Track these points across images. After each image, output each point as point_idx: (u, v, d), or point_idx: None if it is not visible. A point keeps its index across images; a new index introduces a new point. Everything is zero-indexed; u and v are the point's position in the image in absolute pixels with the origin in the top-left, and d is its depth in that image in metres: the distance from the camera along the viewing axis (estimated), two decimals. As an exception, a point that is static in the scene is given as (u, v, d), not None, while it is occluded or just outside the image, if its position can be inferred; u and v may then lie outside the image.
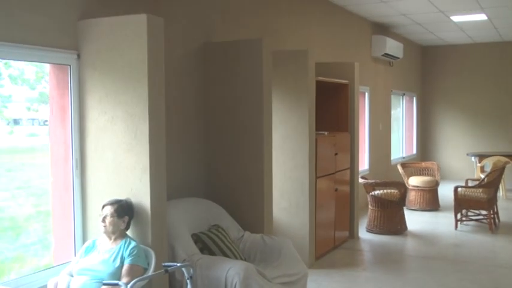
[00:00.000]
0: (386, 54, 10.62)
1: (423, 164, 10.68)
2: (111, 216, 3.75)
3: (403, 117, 13.46)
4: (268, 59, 5.12)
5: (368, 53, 10.39)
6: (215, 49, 5.33)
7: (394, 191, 8.07)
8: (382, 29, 10.90)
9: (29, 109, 12.75)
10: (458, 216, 8.34)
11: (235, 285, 3.98)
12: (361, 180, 8.14)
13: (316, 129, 6.40)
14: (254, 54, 5.08)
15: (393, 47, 10.82)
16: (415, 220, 8.86)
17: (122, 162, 3.97)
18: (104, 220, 3.76)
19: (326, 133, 6.80)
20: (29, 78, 11.23)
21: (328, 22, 8.54)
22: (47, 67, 4.41)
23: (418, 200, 9.80)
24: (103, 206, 3.82)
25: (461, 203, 8.29)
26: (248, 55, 5.12)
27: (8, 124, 12.74)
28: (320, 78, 6.57)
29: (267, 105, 5.14)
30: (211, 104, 5.35)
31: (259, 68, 5.04)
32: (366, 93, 10.28)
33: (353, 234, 7.63)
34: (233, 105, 5.23)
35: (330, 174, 6.82)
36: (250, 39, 5.30)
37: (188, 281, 3.65)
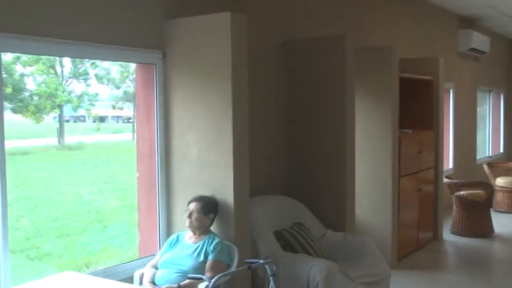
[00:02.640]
0: (472, 49, 10.19)
1: (511, 164, 10.20)
2: (197, 213, 3.82)
3: (489, 115, 12.89)
4: (351, 56, 5.04)
5: (453, 48, 10.01)
6: (296, 46, 5.30)
7: (480, 191, 7.75)
8: (468, 22, 10.47)
9: (114, 107, 13.26)
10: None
11: (317, 284, 3.94)
12: (445, 180, 7.87)
13: (400, 127, 6.24)
14: (337, 51, 5.02)
15: (480, 41, 10.37)
16: (502, 223, 8.45)
17: (206, 159, 4.03)
18: (190, 216, 3.83)
19: (410, 131, 6.63)
20: (114, 78, 11.65)
21: (412, 16, 8.30)
22: (132, 67, 4.53)
23: (506, 202, 9.36)
24: (189, 202, 3.89)
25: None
26: (331, 52, 5.06)
27: (94, 122, 13.31)
28: (404, 74, 6.41)
29: (350, 103, 5.06)
30: (293, 102, 5.33)
31: (342, 66, 4.97)
32: (451, 90, 9.92)
33: (437, 236, 7.38)
34: (315, 103, 5.18)
35: (413, 174, 6.63)
36: (333, 35, 5.23)
37: (271, 278, 3.63)
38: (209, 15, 4.01)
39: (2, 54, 3.39)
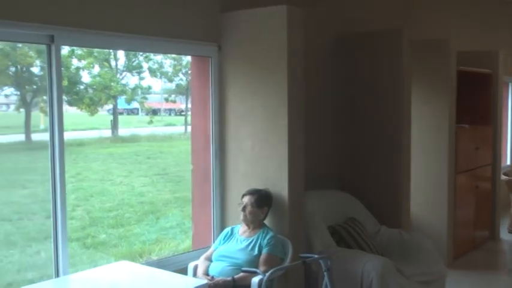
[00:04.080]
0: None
1: None
2: (251, 206, 3.81)
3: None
4: (408, 50, 4.93)
5: (513, 40, 9.67)
6: (352, 40, 5.22)
7: (540, 190, 7.48)
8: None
9: (166, 100, 13.48)
10: None
11: (371, 280, 3.89)
12: (503, 177, 7.63)
13: (456, 122, 6.08)
14: (394, 44, 4.92)
15: (542, 32, 9.98)
16: None
17: (261, 152, 4.02)
18: (244, 209, 3.83)
19: (466, 126, 6.45)
20: (167, 71, 11.83)
21: (470, 7, 8.05)
22: (184, 60, 4.56)
23: None
24: (243, 196, 3.88)
25: None
26: (387, 46, 4.97)
27: (147, 114, 13.57)
28: (461, 68, 6.23)
29: (407, 97, 4.96)
30: (348, 96, 5.26)
31: (399, 59, 4.87)
32: (510, 84, 9.60)
33: (494, 235, 7.17)
34: (371, 97, 5.10)
35: (469, 170, 6.45)
36: (389, 29, 5.13)
37: (325, 273, 3.60)
38: (265, 8, 3.98)
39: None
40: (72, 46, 7.89)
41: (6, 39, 3.87)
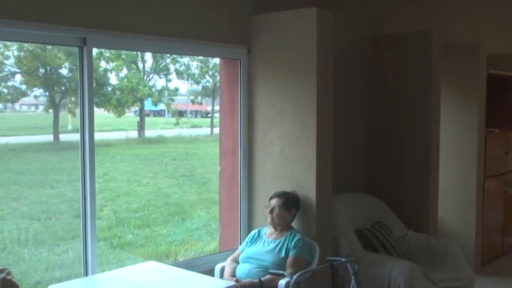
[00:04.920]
0: None
1: None
2: (279, 209, 3.81)
3: None
4: (438, 52, 4.89)
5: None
6: (381, 42, 5.20)
7: None
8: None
9: (193, 102, 13.51)
10: None
11: (399, 285, 3.86)
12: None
13: (486, 126, 6.00)
14: (423, 47, 4.88)
15: None
16: None
17: (289, 155, 4.02)
18: (271, 212, 3.83)
19: (496, 130, 6.35)
20: (194, 73, 11.88)
21: (500, 9, 7.93)
22: (211, 62, 4.59)
23: None
24: (270, 198, 3.89)
25: None
26: (417, 48, 4.93)
27: (173, 116, 13.62)
28: (491, 71, 6.15)
29: (436, 100, 4.92)
30: (376, 99, 5.23)
31: (429, 62, 4.84)
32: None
33: (523, 241, 7.05)
34: (399, 100, 5.07)
35: (499, 175, 6.36)
36: (419, 30, 5.09)
37: (352, 277, 3.58)
38: (295, 11, 3.99)
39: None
40: (103, 48, 7.96)
41: (41, 42, 3.94)
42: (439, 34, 4.96)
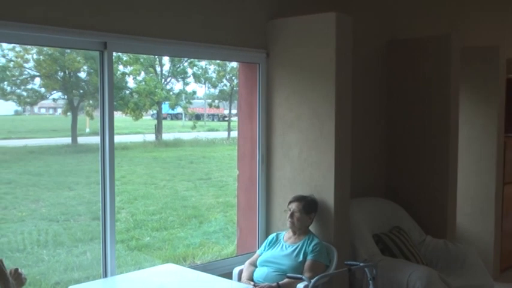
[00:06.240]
0: None
1: None
2: (299, 213, 3.82)
3: None
4: (456, 57, 4.87)
5: None
6: (400, 46, 5.19)
7: None
8: None
9: (210, 105, 13.55)
10: None
11: (417, 291, 3.84)
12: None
13: (505, 131, 5.95)
14: (441, 51, 4.86)
15: None
16: None
17: (307, 159, 4.03)
18: (291, 216, 3.84)
19: (515, 136, 6.30)
20: (211, 77, 11.94)
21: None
22: (228, 66, 4.61)
23: None
24: (290, 202, 3.90)
25: None
26: (435, 53, 4.91)
27: (190, 119, 13.68)
28: (511, 76, 6.10)
29: (454, 105, 4.89)
30: (394, 104, 5.22)
31: (447, 67, 4.81)
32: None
33: (542, 248, 6.97)
34: (417, 105, 5.05)
35: (518, 181, 6.29)
36: (437, 35, 5.07)
37: (370, 281, 3.58)
38: (313, 15, 4.00)
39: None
40: (124, 52, 8.02)
41: (62, 46, 4.00)
42: (458, 38, 4.93)
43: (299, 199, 3.88)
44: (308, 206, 3.85)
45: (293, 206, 3.86)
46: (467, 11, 6.53)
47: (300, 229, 3.84)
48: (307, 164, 4.04)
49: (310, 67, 4.01)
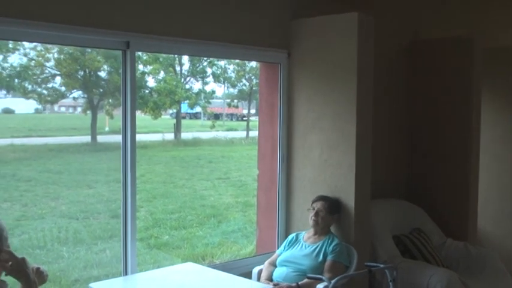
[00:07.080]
0: None
1: None
2: (325, 212, 3.81)
3: None
4: (479, 58, 4.82)
5: None
6: (422, 47, 5.14)
7: None
8: None
9: (229, 105, 13.64)
10: None
11: (437, 293, 3.81)
12: None
13: (529, 133, 5.88)
14: (464, 52, 4.81)
15: None
16: None
17: (328, 160, 4.02)
18: (316, 215, 3.83)
19: (538, 138, 6.21)
20: (230, 76, 11.99)
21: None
22: (248, 66, 4.61)
23: None
24: (313, 201, 3.89)
25: None
26: (458, 53, 4.86)
27: (209, 119, 13.77)
28: (535, 77, 6.02)
29: (476, 107, 4.84)
30: (415, 105, 5.18)
31: (470, 68, 4.77)
32: None
33: None
34: (439, 106, 5.01)
35: (541, 183, 6.21)
36: (460, 36, 5.02)
37: (390, 283, 3.55)
38: (336, 15, 3.98)
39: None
40: (146, 51, 8.06)
41: (86, 45, 4.02)
42: (481, 39, 4.88)
43: (324, 198, 3.87)
44: (333, 207, 3.85)
45: (318, 205, 3.85)
46: (492, 9, 6.44)
47: (323, 229, 3.83)
48: (328, 165, 4.02)
49: (332, 68, 4.00)
